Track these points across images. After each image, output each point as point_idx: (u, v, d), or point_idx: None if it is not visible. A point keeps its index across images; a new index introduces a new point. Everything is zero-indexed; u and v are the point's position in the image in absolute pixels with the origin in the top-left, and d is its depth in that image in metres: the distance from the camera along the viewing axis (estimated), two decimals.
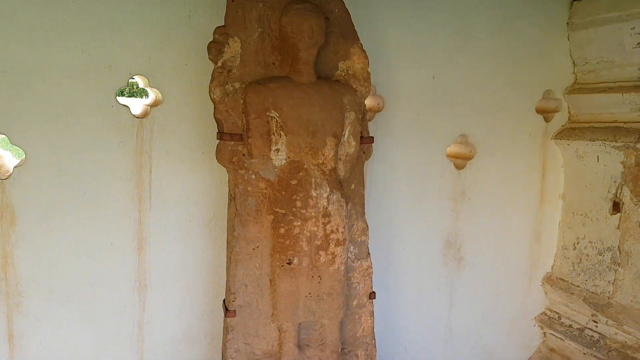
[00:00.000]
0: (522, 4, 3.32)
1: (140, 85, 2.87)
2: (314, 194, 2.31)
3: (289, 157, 2.32)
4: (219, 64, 2.28)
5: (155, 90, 2.73)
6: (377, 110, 3.15)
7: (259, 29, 2.31)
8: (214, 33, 2.28)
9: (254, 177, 2.34)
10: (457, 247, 3.47)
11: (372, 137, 2.62)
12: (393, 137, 3.15)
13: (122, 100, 2.67)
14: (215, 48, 2.26)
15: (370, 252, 2.66)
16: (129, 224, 2.75)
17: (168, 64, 2.71)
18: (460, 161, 3.40)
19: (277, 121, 2.28)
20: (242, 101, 2.29)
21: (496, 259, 3.58)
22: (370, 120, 3.09)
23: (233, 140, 2.31)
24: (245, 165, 2.34)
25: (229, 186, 2.41)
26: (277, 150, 2.32)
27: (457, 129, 3.28)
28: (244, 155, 2.33)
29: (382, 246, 3.19)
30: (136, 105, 2.86)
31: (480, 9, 3.22)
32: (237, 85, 2.30)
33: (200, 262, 2.89)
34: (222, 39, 2.27)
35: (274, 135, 2.30)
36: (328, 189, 2.34)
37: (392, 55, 3.07)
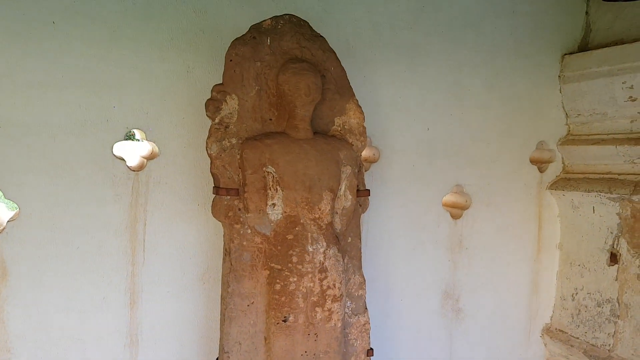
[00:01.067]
0: (513, 58, 3.41)
1: (137, 137, 2.88)
2: (311, 249, 2.29)
3: (285, 212, 2.31)
4: (217, 120, 2.30)
5: (152, 143, 2.74)
6: (373, 161, 3.17)
7: (257, 87, 2.34)
8: (212, 91, 2.31)
9: (249, 231, 2.33)
10: (456, 298, 3.44)
11: (369, 190, 2.63)
12: (389, 187, 3.17)
13: (119, 147, 2.68)
14: (212, 105, 2.29)
15: (367, 306, 2.62)
16: (121, 278, 2.71)
17: (166, 118, 2.73)
18: (457, 211, 3.42)
19: (273, 176, 2.29)
20: (238, 157, 2.30)
21: (495, 310, 3.55)
22: (366, 170, 3.11)
23: (229, 195, 2.31)
24: (241, 219, 2.33)
25: (224, 240, 2.39)
26: (274, 205, 2.31)
27: (453, 179, 3.32)
28: (239, 209, 2.33)
29: (380, 299, 3.15)
30: (132, 156, 2.87)
31: (472, 63, 3.30)
32: (234, 141, 2.32)
33: (194, 316, 2.83)
34: (220, 97, 2.30)
35: (270, 190, 2.30)
36: (325, 243, 2.32)
37: (387, 108, 3.13)
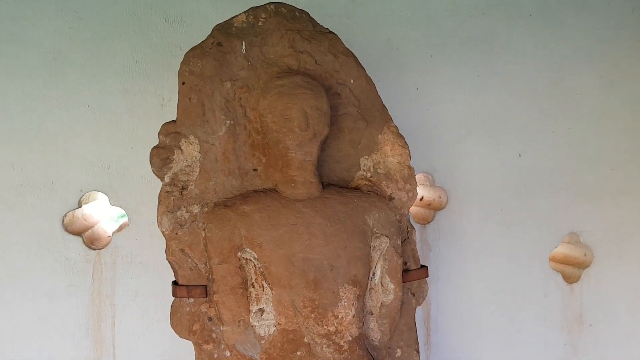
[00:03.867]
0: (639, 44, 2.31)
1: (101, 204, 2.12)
2: None
3: (279, 324, 1.41)
4: (167, 179, 1.47)
5: (119, 209, 1.98)
6: (437, 208, 2.24)
7: (228, 121, 1.49)
8: (159, 133, 1.48)
9: (228, 354, 1.45)
10: None
11: (426, 269, 1.66)
12: (465, 244, 2.30)
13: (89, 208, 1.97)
14: (159, 157, 1.46)
15: None
16: None
17: (135, 173, 1.97)
18: (572, 270, 2.49)
19: (255, 265, 1.41)
20: (203, 234, 1.44)
21: None
22: (428, 221, 2.17)
23: (192, 297, 1.45)
24: (214, 335, 1.46)
25: None
26: (261, 310, 1.43)
27: (563, 224, 2.39)
28: (210, 319, 1.46)
29: None
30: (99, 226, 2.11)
31: (578, 55, 2.35)
32: (195, 209, 1.47)
33: None
34: (170, 142, 1.47)
35: (252, 287, 1.42)
36: None
37: (454, 130, 2.24)
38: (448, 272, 2.24)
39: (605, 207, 2.38)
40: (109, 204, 1.98)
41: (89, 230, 2.04)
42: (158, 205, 1.47)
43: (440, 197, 2.28)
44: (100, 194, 1.99)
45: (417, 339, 1.62)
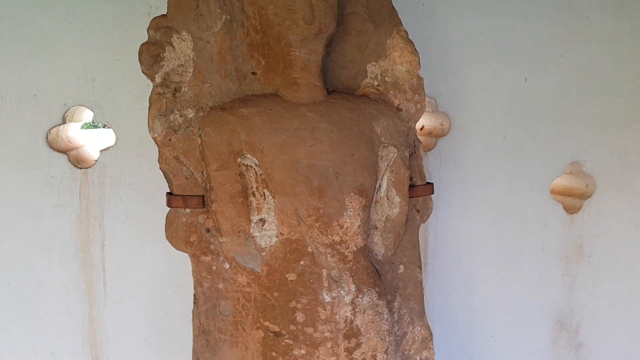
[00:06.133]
0: None
1: (88, 121, 2.00)
2: (328, 299, 1.31)
3: (281, 234, 1.33)
4: (158, 79, 1.35)
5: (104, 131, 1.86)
6: (439, 134, 2.16)
7: (224, 16, 1.36)
8: (149, 28, 1.35)
9: (227, 266, 1.38)
10: (574, 329, 2.40)
11: (431, 185, 1.59)
12: (466, 172, 2.23)
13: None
14: (148, 54, 1.34)
15: None
16: (76, 325, 1.95)
17: (121, 87, 1.84)
18: (573, 201, 2.42)
19: (256, 172, 1.31)
20: (199, 140, 1.34)
21: (633, 343, 2.46)
22: (429, 149, 2.11)
23: (188, 207, 1.36)
24: (212, 247, 1.38)
25: (193, 278, 1.46)
26: (262, 221, 1.35)
27: (566, 154, 2.30)
28: (208, 230, 1.38)
29: (458, 343, 2.14)
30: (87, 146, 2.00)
31: None
32: (190, 113, 1.36)
33: None
34: (161, 37, 1.34)
35: (253, 196, 1.33)
36: (353, 286, 1.33)
37: (460, 51, 2.13)
38: (448, 201, 2.18)
39: (609, 137, 2.30)
40: (94, 120, 1.86)
41: (74, 151, 1.93)
42: (149, 109, 1.35)
43: (442, 124, 2.20)
44: (85, 109, 1.87)
45: (420, 256, 1.56)
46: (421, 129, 2.26)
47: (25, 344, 1.87)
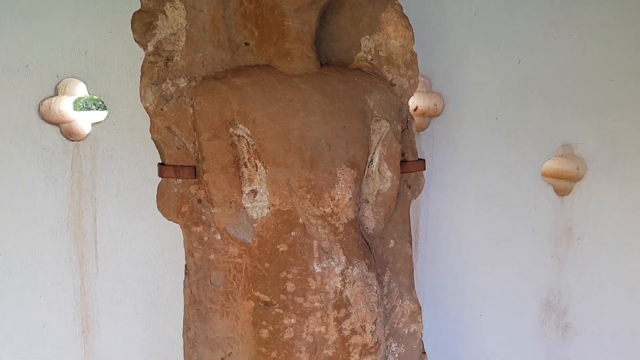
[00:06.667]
0: None
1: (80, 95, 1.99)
2: (318, 269, 1.32)
3: (273, 205, 1.34)
4: (150, 48, 1.34)
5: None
6: (433, 115, 2.16)
7: None
8: None
9: (219, 237, 1.39)
10: (562, 310, 2.43)
11: (423, 161, 1.60)
12: (459, 153, 2.25)
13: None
14: (141, 22, 1.33)
15: (425, 349, 1.63)
16: (67, 297, 1.95)
17: (114, 60, 1.83)
18: (564, 183, 2.44)
19: (248, 142, 1.31)
20: (191, 110, 1.34)
21: (620, 325, 2.50)
22: (422, 129, 2.11)
23: (180, 178, 1.36)
24: (204, 218, 1.38)
25: (184, 249, 1.46)
26: (253, 192, 1.35)
27: (558, 136, 2.32)
28: (199, 201, 1.38)
29: (446, 322, 2.16)
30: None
31: None
32: (182, 83, 1.35)
33: (173, 344, 1.98)
34: (154, 6, 1.33)
35: (245, 167, 1.33)
36: (344, 258, 1.34)
37: (455, 29, 2.12)
38: (440, 181, 2.19)
39: (601, 120, 2.32)
40: (87, 92, 1.85)
41: (66, 124, 1.92)
42: (141, 78, 1.35)
43: (435, 105, 2.20)
44: (78, 82, 1.85)
45: (410, 232, 1.57)
46: (415, 110, 2.26)
47: (16, 315, 1.87)
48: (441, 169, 2.18)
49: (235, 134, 1.31)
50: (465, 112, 2.18)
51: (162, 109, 1.35)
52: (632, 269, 2.43)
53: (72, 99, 2.00)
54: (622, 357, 2.49)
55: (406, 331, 1.57)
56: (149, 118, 1.40)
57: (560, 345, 2.42)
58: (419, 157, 1.62)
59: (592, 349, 2.45)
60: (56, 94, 1.83)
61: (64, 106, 1.95)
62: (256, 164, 1.33)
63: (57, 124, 1.85)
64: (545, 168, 2.37)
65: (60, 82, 1.81)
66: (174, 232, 1.95)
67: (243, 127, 1.30)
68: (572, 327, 2.43)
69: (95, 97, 1.88)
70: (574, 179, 2.37)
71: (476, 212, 2.23)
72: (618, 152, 2.36)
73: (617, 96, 2.32)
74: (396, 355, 1.55)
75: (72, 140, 1.85)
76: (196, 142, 1.35)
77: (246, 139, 1.31)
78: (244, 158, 1.33)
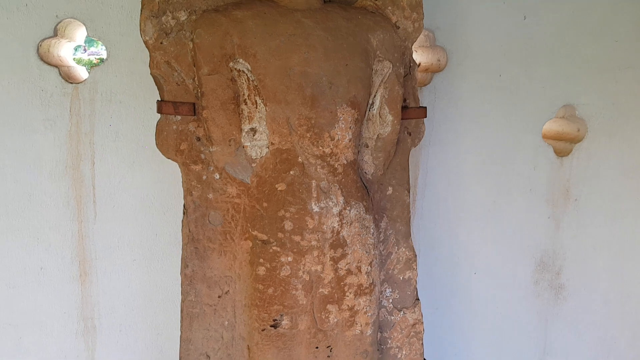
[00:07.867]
0: None
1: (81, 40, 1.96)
2: (316, 209, 1.32)
3: (272, 144, 1.33)
4: None
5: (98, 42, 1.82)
6: (436, 70, 2.14)
7: None
8: None
9: (217, 176, 1.38)
10: (556, 271, 2.44)
11: (424, 108, 1.59)
12: (460, 109, 2.22)
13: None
14: None
15: (419, 296, 1.64)
16: (65, 241, 1.94)
17: (114, 2, 1.81)
18: (564, 144, 2.44)
19: (248, 78, 1.30)
20: (191, 45, 1.32)
21: (612, 288, 2.53)
22: (424, 84, 2.10)
23: (179, 114, 1.35)
24: (203, 157, 1.38)
25: (183, 188, 1.46)
26: (253, 130, 1.34)
27: (559, 96, 2.28)
28: (198, 139, 1.37)
29: (440, 276, 2.18)
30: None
31: None
32: (182, 16, 1.33)
33: (170, 293, 2.00)
34: None
35: (245, 104, 1.32)
36: (342, 198, 1.34)
37: None
38: (440, 138, 2.18)
39: (604, 81, 2.29)
40: (87, 34, 1.82)
41: (65, 67, 1.89)
42: (141, 10, 1.32)
43: (439, 60, 2.17)
44: (77, 24, 1.82)
45: (409, 180, 1.57)
46: (418, 66, 2.24)
47: (13, 258, 1.87)
48: (442, 125, 2.17)
49: (236, 69, 1.29)
50: (468, 68, 2.15)
51: (161, 43, 1.33)
52: (627, 232, 2.44)
53: (72, 45, 1.97)
54: (613, 320, 2.53)
55: (401, 277, 1.58)
56: (148, 61, 1.38)
57: (552, 305, 2.44)
58: (422, 104, 1.61)
59: (584, 310, 2.48)
60: (55, 34, 1.80)
61: (64, 52, 1.92)
62: (256, 101, 1.31)
63: (56, 66, 1.82)
64: (546, 130, 2.36)
65: (59, 22, 1.78)
66: (172, 180, 1.95)
67: (243, 62, 1.28)
68: (565, 289, 2.45)
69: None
70: (574, 140, 2.36)
71: (475, 170, 2.23)
72: (619, 113, 2.34)
73: (621, 56, 2.29)
74: (390, 300, 1.57)
75: (71, 83, 1.83)
76: (196, 78, 1.33)
77: (246, 74, 1.29)
78: (243, 95, 1.32)
